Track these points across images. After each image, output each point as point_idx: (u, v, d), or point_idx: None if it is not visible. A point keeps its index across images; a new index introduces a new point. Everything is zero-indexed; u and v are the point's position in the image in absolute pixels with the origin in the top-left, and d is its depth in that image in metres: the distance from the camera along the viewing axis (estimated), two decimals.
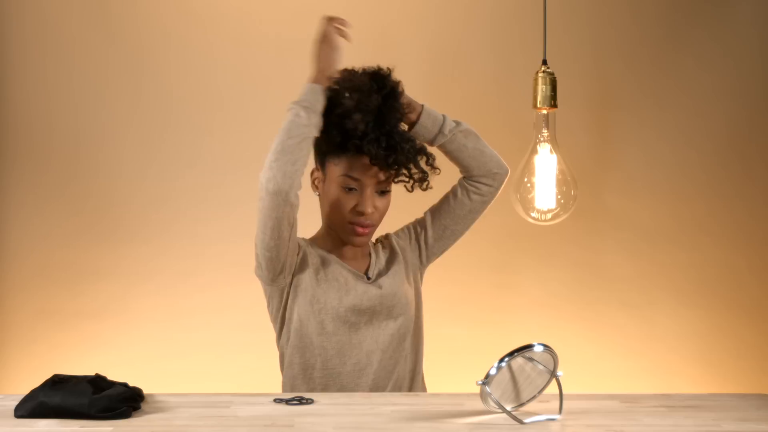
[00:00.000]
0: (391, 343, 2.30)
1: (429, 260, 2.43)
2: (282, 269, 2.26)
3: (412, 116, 2.31)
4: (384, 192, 2.28)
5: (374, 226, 2.30)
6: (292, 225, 2.20)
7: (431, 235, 2.40)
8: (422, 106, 2.32)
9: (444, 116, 2.33)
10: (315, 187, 2.34)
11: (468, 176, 2.37)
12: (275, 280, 2.28)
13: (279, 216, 2.17)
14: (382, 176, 2.25)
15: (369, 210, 2.25)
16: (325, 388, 2.27)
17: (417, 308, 2.37)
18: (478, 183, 2.36)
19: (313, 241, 2.36)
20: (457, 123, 2.34)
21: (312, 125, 2.20)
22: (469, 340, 3.41)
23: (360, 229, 2.27)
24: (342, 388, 2.27)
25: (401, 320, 2.31)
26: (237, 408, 1.95)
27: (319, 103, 2.22)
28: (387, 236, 2.42)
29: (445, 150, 2.34)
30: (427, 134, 2.32)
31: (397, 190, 2.32)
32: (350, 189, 2.26)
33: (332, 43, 2.28)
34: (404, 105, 2.28)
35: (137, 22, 3.43)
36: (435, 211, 2.40)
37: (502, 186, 2.39)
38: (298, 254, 2.28)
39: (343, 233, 2.31)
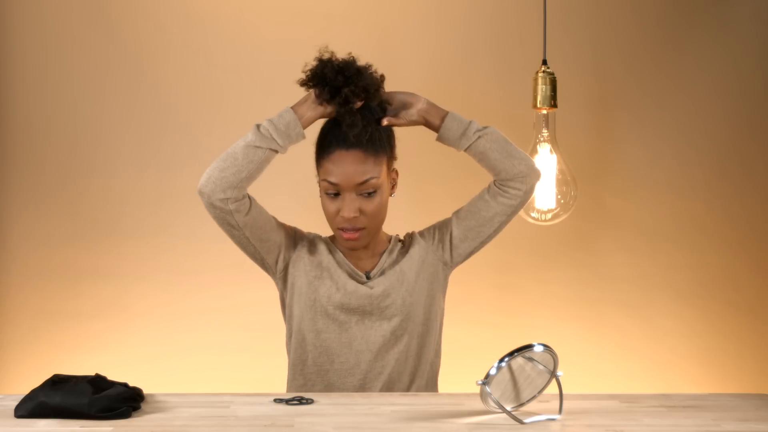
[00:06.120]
0: (383, 345, 2.29)
1: (454, 260, 2.38)
2: (264, 266, 2.32)
3: (436, 122, 2.27)
4: (370, 194, 2.25)
5: (364, 229, 2.26)
6: (240, 228, 2.22)
7: (456, 234, 2.36)
8: (447, 112, 2.28)
9: (470, 122, 2.29)
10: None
11: (497, 179, 2.32)
12: (272, 275, 2.33)
13: (216, 217, 2.22)
14: (360, 178, 2.23)
15: (350, 214, 2.23)
16: (314, 385, 2.29)
17: (428, 310, 2.34)
18: (507, 187, 2.31)
19: (330, 237, 2.37)
20: (484, 128, 2.29)
21: (274, 140, 2.18)
22: (469, 340, 3.40)
23: (346, 234, 2.26)
24: (329, 386, 2.28)
25: (396, 321, 2.30)
26: (237, 408, 1.95)
27: (284, 123, 2.19)
28: (412, 234, 2.40)
29: (471, 154, 2.30)
30: (451, 138, 2.28)
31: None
32: (334, 195, 2.25)
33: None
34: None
35: (137, 22, 3.42)
36: (462, 210, 2.37)
37: (533, 191, 2.34)
38: (294, 250, 2.31)
39: (337, 239, 2.32)
